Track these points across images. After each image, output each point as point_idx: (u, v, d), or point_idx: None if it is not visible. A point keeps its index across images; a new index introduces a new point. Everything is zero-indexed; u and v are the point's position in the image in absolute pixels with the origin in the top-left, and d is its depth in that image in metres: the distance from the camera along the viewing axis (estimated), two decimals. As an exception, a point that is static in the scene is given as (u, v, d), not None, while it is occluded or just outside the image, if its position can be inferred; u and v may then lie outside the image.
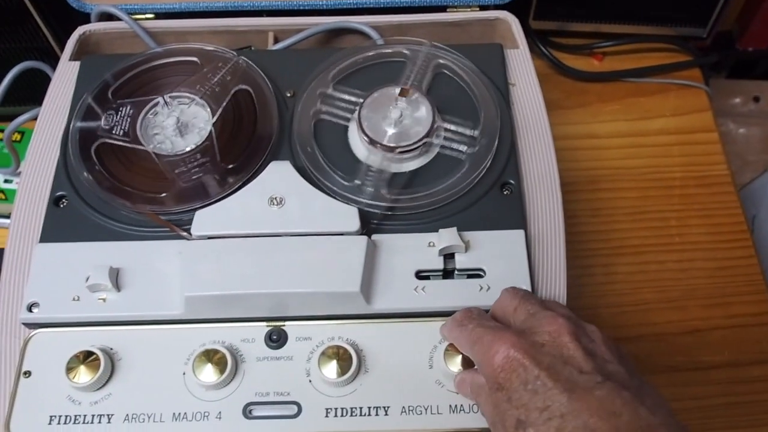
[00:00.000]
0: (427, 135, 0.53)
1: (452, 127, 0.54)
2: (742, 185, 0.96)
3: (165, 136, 0.54)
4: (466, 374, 0.45)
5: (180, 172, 0.53)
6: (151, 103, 0.55)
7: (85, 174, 0.53)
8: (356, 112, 0.54)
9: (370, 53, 0.59)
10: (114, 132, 0.54)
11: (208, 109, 0.55)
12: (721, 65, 1.06)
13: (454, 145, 0.54)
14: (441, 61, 0.58)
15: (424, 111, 0.54)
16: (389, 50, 0.59)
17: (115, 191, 0.52)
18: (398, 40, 0.60)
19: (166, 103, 0.55)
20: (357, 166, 0.53)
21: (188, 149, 0.53)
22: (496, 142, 0.54)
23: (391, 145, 0.53)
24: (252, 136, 0.55)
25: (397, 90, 0.55)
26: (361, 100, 0.54)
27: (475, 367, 0.45)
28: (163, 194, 0.52)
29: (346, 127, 0.55)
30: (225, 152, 0.54)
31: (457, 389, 0.46)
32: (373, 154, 0.53)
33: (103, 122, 0.55)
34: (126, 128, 0.54)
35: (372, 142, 0.53)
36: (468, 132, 0.54)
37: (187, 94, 0.56)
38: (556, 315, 0.41)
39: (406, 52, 0.58)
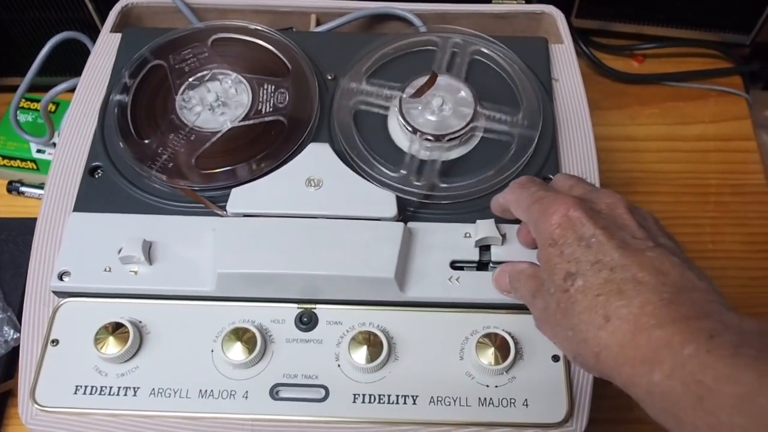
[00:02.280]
0: (472, 120, 0.52)
1: (494, 113, 0.54)
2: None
3: (205, 114, 0.54)
4: (504, 266, 0.47)
5: (230, 146, 0.52)
6: (186, 83, 0.55)
7: (122, 146, 0.53)
8: (396, 102, 0.54)
9: (413, 39, 0.58)
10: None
11: (245, 83, 0.55)
12: (758, 77, 1.04)
13: (497, 127, 0.53)
14: (478, 48, 0.57)
15: (464, 99, 0.53)
16: (425, 38, 0.58)
17: (151, 165, 0.52)
18: (442, 28, 0.60)
19: (200, 82, 0.55)
20: (396, 152, 0.53)
21: (236, 120, 0.53)
22: (538, 135, 0.53)
23: (437, 133, 0.52)
24: (295, 98, 0.55)
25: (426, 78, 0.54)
26: (400, 93, 0.54)
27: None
28: (202, 170, 0.51)
29: (386, 114, 0.55)
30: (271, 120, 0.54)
31: (495, 283, 0.47)
32: (419, 144, 0.52)
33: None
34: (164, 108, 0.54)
35: (414, 131, 0.52)
36: (510, 116, 0.54)
37: (220, 71, 0.56)
38: (614, 192, 0.43)
39: (437, 39, 0.58)
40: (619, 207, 0.42)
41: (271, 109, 0.54)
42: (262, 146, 0.53)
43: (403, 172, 0.51)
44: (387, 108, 0.55)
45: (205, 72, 0.56)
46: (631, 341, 0.36)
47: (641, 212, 0.43)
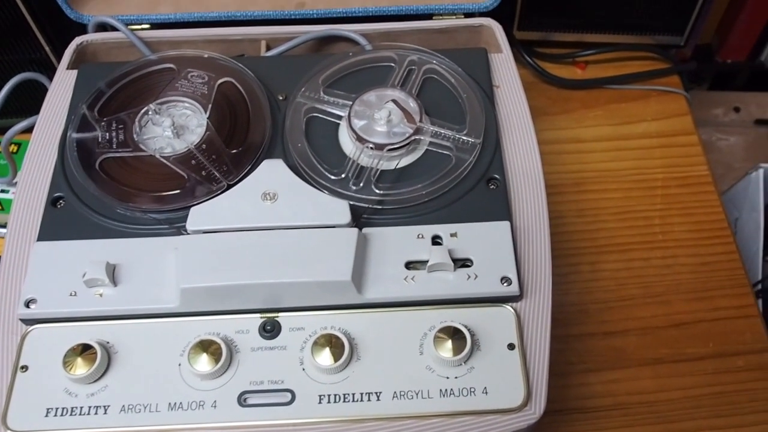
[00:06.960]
0: (415, 134, 0.55)
1: (440, 129, 0.56)
2: (725, 190, 0.98)
3: (163, 140, 0.56)
4: None
5: (190, 167, 0.54)
6: (142, 112, 0.57)
7: (86, 180, 0.54)
8: (347, 111, 0.56)
9: (361, 57, 0.61)
10: (113, 145, 0.55)
11: (199, 107, 0.57)
12: (703, 77, 1.09)
13: (442, 142, 0.56)
14: (429, 66, 0.60)
15: (411, 111, 0.56)
16: (379, 54, 0.61)
17: (115, 194, 0.53)
18: (388, 45, 0.62)
19: (156, 111, 0.57)
20: (346, 162, 0.55)
21: (194, 144, 0.55)
22: (482, 140, 0.55)
23: (380, 142, 0.54)
24: (248, 119, 0.57)
25: (387, 91, 0.57)
26: (350, 102, 0.56)
27: None
28: (163, 193, 0.53)
29: (337, 126, 0.57)
30: (228, 140, 0.56)
31: None
32: (362, 152, 0.55)
33: (99, 135, 0.56)
34: (123, 138, 0.56)
35: (361, 139, 0.54)
36: (454, 131, 0.56)
37: (175, 98, 0.58)
38: None
39: (394, 56, 0.60)
40: None
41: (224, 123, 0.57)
42: (229, 153, 0.55)
43: (342, 175, 0.54)
44: (340, 117, 0.57)
45: (151, 104, 0.57)
46: None
47: None
